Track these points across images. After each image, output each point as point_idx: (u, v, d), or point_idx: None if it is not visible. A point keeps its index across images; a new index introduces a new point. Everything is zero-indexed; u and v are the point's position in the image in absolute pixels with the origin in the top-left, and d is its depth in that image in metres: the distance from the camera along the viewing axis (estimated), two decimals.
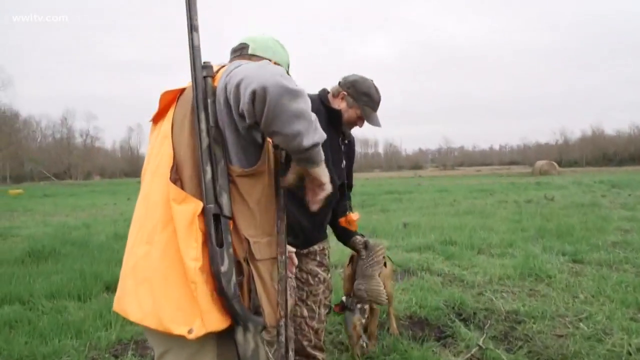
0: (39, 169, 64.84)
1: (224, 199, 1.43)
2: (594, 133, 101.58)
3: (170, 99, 1.61)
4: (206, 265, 1.39)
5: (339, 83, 2.89)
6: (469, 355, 3.46)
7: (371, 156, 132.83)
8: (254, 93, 1.28)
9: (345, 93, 2.84)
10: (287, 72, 1.90)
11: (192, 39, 1.45)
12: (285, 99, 1.28)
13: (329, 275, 3.07)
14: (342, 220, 3.02)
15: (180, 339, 1.37)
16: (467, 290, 5.08)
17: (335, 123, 2.86)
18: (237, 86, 1.33)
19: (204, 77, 1.45)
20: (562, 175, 39.90)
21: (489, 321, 4.10)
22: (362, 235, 3.24)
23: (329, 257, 3.09)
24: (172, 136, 1.51)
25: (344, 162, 3.01)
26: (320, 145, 1.43)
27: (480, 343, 3.60)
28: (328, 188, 1.55)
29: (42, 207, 19.07)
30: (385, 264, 3.78)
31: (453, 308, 4.44)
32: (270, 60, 1.71)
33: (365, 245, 3.20)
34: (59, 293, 5.13)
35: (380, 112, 2.89)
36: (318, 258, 3.01)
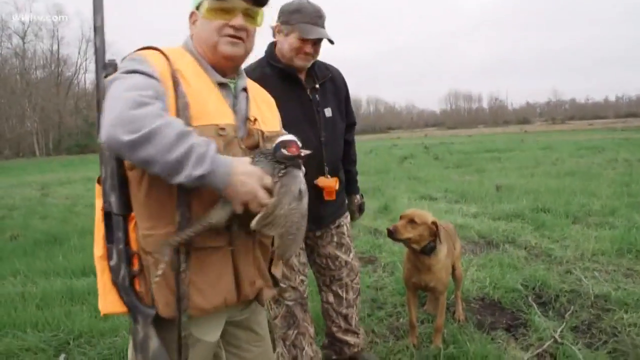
0: None
1: (112, 198, 1.46)
2: None
3: None
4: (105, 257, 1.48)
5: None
6: (540, 350, 3.03)
7: (475, 111, 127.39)
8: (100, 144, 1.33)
9: (278, 24, 2.46)
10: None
11: (95, 41, 1.52)
12: (127, 155, 1.25)
13: (351, 254, 2.81)
14: (317, 182, 2.54)
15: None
16: (553, 267, 4.56)
17: (291, 78, 2.50)
18: None
19: (105, 77, 1.45)
20: None
21: (572, 307, 3.61)
22: (362, 196, 2.98)
23: (349, 234, 2.80)
24: None
25: (328, 109, 2.61)
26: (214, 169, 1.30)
27: (557, 335, 3.16)
28: (261, 197, 1.38)
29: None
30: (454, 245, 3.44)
31: (533, 289, 3.99)
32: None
33: (360, 209, 2.94)
34: None
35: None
36: (335, 239, 2.74)
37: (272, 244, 1.65)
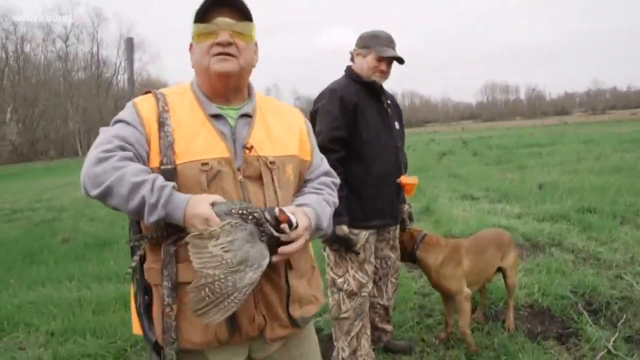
0: None
1: (131, 232, 1.59)
2: None
3: None
4: None
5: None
6: None
7: (512, 103, 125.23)
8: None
9: (356, 49, 2.93)
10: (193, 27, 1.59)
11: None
12: (102, 203, 1.40)
13: (397, 254, 3.22)
14: (400, 180, 2.97)
15: None
16: (603, 271, 4.49)
17: (374, 93, 2.94)
18: None
19: None
20: None
21: (625, 315, 3.57)
22: (410, 205, 3.25)
23: (396, 236, 3.22)
24: None
25: (397, 122, 3.07)
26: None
27: (610, 345, 3.14)
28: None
29: None
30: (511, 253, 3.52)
31: (582, 296, 3.94)
32: None
33: (410, 217, 3.20)
34: None
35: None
36: (391, 242, 3.15)
37: (287, 283, 1.58)
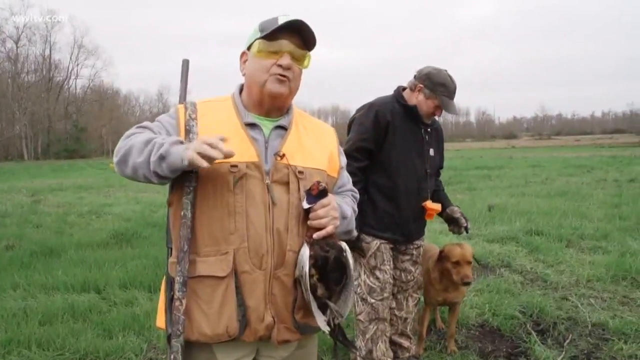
0: None
1: (167, 236, 1.66)
2: None
3: None
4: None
5: (415, 76, 3.02)
6: None
7: (462, 125, 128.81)
8: None
9: (421, 86, 2.97)
10: (255, 41, 1.65)
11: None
12: (126, 174, 1.58)
13: (419, 271, 3.28)
14: (425, 204, 3.07)
15: None
16: (550, 293, 4.65)
17: (413, 117, 3.01)
18: None
19: None
20: None
21: (571, 335, 3.70)
22: (458, 207, 3.28)
23: (421, 254, 3.28)
24: None
25: (432, 149, 3.13)
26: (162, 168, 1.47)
27: None
28: (205, 149, 1.45)
29: (136, 183, 19.72)
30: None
31: (531, 316, 4.07)
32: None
33: (463, 215, 3.20)
34: (132, 282, 5.16)
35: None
36: (414, 257, 3.21)
37: (296, 287, 1.63)
